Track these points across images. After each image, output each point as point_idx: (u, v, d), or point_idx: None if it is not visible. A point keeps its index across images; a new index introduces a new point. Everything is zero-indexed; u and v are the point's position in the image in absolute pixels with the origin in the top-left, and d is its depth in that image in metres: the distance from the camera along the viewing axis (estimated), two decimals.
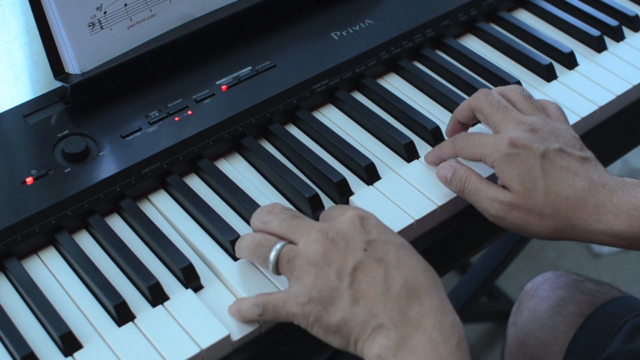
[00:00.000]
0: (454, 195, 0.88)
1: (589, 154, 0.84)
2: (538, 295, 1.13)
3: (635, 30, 1.09)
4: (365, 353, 0.71)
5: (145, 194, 0.89)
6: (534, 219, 0.81)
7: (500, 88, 0.90)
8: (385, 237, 0.75)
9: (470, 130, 0.93)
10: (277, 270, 0.76)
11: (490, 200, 0.82)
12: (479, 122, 0.91)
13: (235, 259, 0.83)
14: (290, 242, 0.76)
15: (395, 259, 0.73)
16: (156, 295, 0.79)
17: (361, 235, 0.74)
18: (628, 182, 0.82)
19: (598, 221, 0.80)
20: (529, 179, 0.81)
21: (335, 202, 0.88)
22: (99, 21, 0.92)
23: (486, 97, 0.87)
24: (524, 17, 1.10)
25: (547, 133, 0.83)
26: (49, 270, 0.83)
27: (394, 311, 0.70)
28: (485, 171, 0.87)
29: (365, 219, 0.75)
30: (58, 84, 0.93)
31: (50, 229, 0.84)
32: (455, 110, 0.91)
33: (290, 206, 0.88)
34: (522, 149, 0.82)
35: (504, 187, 0.82)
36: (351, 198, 0.88)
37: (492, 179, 0.86)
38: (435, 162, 0.90)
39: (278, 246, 0.75)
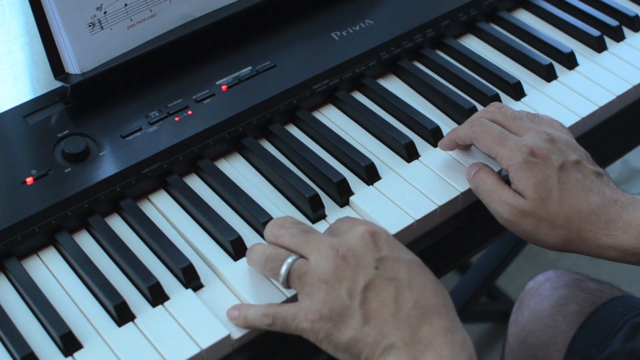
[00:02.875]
0: (454, 195, 0.88)
1: (600, 169, 0.85)
2: (539, 294, 1.13)
3: (635, 30, 1.09)
4: None
5: (145, 194, 0.89)
6: (545, 228, 0.82)
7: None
8: (396, 254, 0.74)
9: None
10: (287, 285, 0.76)
11: (503, 204, 0.83)
12: None
13: (235, 259, 0.83)
14: (301, 256, 0.76)
15: (407, 277, 0.73)
16: (156, 295, 0.79)
17: (372, 252, 0.74)
18: (639, 199, 0.83)
19: (608, 235, 0.81)
20: (545, 189, 0.81)
21: (336, 202, 0.88)
22: (99, 21, 0.92)
23: (499, 109, 0.87)
24: (524, 17, 1.10)
25: (565, 145, 0.84)
26: (49, 270, 0.83)
27: (405, 332, 0.71)
28: (496, 165, 0.87)
29: (375, 234, 0.75)
30: (58, 84, 0.93)
31: (50, 229, 0.84)
32: (456, 133, 0.89)
33: (292, 207, 0.88)
34: (542, 159, 0.82)
35: (518, 192, 0.83)
36: (351, 198, 0.88)
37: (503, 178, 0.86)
38: (449, 146, 0.90)
39: (289, 260, 0.75)
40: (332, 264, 0.73)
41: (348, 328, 0.72)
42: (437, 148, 0.92)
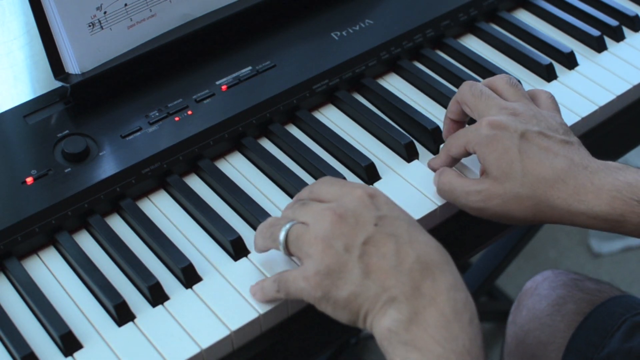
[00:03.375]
0: None
1: (573, 139, 0.83)
2: (537, 293, 1.13)
3: (635, 30, 1.09)
4: (375, 327, 0.70)
5: (145, 194, 0.89)
6: (513, 203, 0.80)
7: (487, 79, 0.90)
8: (396, 213, 0.74)
9: None
10: (287, 250, 0.75)
11: (467, 194, 0.82)
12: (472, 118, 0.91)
13: (235, 258, 0.83)
14: (301, 222, 0.75)
15: (407, 234, 0.72)
16: (156, 295, 0.79)
17: (371, 211, 0.73)
18: (611, 164, 0.81)
19: (579, 201, 0.79)
20: (506, 161, 0.80)
21: None
22: (99, 21, 0.92)
23: (470, 88, 0.87)
24: (524, 17, 1.10)
25: (529, 117, 0.83)
26: (49, 270, 0.83)
27: (407, 285, 0.70)
28: (477, 167, 0.87)
29: (374, 196, 0.75)
30: (58, 84, 0.93)
31: (50, 229, 0.84)
32: (446, 110, 0.91)
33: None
34: (500, 129, 0.81)
35: (483, 173, 0.82)
36: None
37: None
38: (435, 169, 0.90)
39: (288, 225, 0.75)
40: (329, 223, 0.72)
41: (347, 283, 0.71)
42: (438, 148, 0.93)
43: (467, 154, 0.85)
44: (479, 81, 1.00)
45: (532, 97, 0.89)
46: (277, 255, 0.80)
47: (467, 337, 0.68)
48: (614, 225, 0.80)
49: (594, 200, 0.79)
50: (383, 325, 0.69)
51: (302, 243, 0.74)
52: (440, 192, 0.86)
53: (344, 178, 0.88)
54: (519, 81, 0.90)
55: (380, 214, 0.73)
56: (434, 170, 0.89)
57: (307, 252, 0.73)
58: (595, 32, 1.06)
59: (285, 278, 0.75)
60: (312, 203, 0.76)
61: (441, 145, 0.91)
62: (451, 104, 0.90)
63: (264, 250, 0.80)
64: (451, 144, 0.86)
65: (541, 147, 0.80)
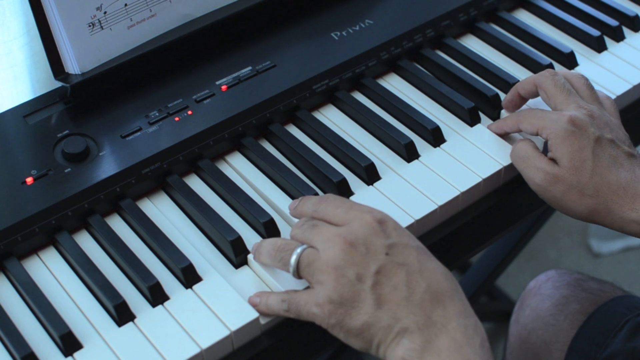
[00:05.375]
0: (454, 195, 0.88)
1: (636, 152, 0.88)
2: (541, 293, 1.13)
3: (635, 30, 1.09)
4: (389, 357, 0.72)
5: (145, 194, 0.89)
6: (575, 195, 0.85)
7: (565, 72, 0.93)
8: (405, 240, 0.75)
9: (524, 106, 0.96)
10: (297, 274, 0.76)
11: (537, 170, 0.86)
12: (537, 97, 0.94)
13: (235, 258, 0.83)
14: (311, 247, 0.76)
15: (417, 262, 0.74)
16: (156, 295, 0.79)
17: (381, 239, 0.74)
18: None
19: (632, 210, 0.84)
20: (579, 158, 0.85)
21: None
22: (99, 21, 0.92)
23: (552, 77, 0.91)
24: (524, 17, 1.10)
25: (604, 123, 0.88)
26: (49, 270, 0.83)
27: (418, 315, 0.71)
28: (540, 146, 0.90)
29: (383, 222, 0.75)
30: (58, 84, 0.93)
31: (50, 229, 0.84)
32: (518, 83, 0.94)
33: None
34: (579, 129, 0.86)
35: (552, 160, 0.86)
36: (351, 198, 0.88)
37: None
38: (497, 132, 0.93)
39: (299, 250, 0.76)
40: (340, 251, 0.73)
41: (360, 313, 0.72)
42: (437, 148, 0.93)
43: (535, 134, 0.88)
44: (479, 81, 1.00)
45: (600, 100, 0.93)
46: None
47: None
48: None
49: None
50: (397, 355, 0.71)
51: (314, 270, 0.74)
52: (514, 155, 0.89)
53: (344, 178, 0.88)
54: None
55: (390, 242, 0.74)
56: (495, 131, 0.93)
57: (319, 280, 0.74)
58: (595, 32, 1.06)
59: (297, 301, 0.75)
60: (321, 225, 0.77)
61: (502, 112, 0.95)
62: (527, 82, 0.93)
63: (267, 265, 0.81)
64: (524, 119, 0.90)
65: (611, 155, 0.86)
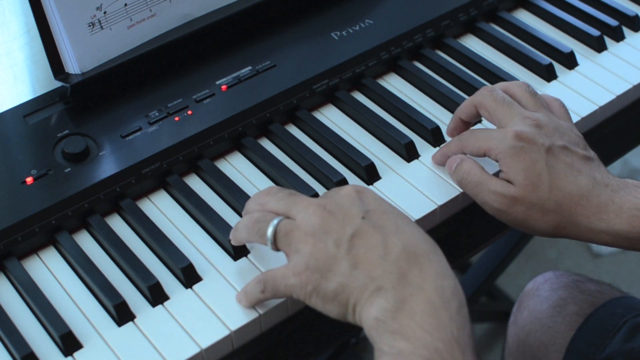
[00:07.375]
0: (454, 195, 0.88)
1: (592, 153, 0.84)
2: (539, 295, 1.13)
3: (635, 30, 1.09)
4: (363, 317, 0.70)
5: (145, 194, 0.89)
6: (537, 214, 0.81)
7: (503, 84, 0.90)
8: (384, 207, 0.74)
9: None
10: (275, 246, 0.75)
11: (492, 194, 0.82)
12: (480, 120, 0.91)
13: (235, 258, 0.83)
14: (288, 218, 0.75)
15: (394, 225, 0.73)
16: (156, 295, 0.79)
17: (359, 206, 0.74)
18: (630, 183, 0.82)
19: (600, 220, 0.80)
20: (534, 173, 0.81)
21: None
22: (99, 21, 0.92)
23: (490, 93, 0.87)
24: (524, 17, 1.10)
25: (552, 130, 0.83)
26: (49, 270, 0.83)
27: (394, 274, 0.70)
28: (492, 169, 0.87)
29: (362, 192, 0.75)
30: (58, 84, 0.93)
31: (50, 229, 0.84)
32: (457, 109, 0.91)
33: None
34: (527, 142, 0.81)
35: (507, 181, 0.82)
36: None
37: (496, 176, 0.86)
38: (441, 161, 0.90)
39: (275, 221, 0.75)
40: (318, 219, 0.73)
41: (335, 275, 0.71)
42: (437, 148, 0.92)
43: (482, 156, 0.85)
44: (479, 81, 1.00)
45: (546, 105, 0.89)
46: (275, 253, 0.80)
47: (456, 326, 0.68)
48: (634, 244, 0.81)
49: (615, 218, 0.80)
50: (371, 314, 0.70)
51: (292, 239, 0.74)
52: (462, 181, 0.85)
53: (344, 178, 0.88)
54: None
55: (367, 208, 0.74)
56: (439, 161, 0.89)
57: (297, 248, 0.73)
58: (595, 32, 1.06)
59: (273, 277, 0.75)
60: (299, 196, 0.76)
61: (447, 140, 0.90)
62: (465, 105, 0.89)
63: (246, 242, 0.80)
64: (467, 143, 0.86)
65: (566, 163, 0.81)
